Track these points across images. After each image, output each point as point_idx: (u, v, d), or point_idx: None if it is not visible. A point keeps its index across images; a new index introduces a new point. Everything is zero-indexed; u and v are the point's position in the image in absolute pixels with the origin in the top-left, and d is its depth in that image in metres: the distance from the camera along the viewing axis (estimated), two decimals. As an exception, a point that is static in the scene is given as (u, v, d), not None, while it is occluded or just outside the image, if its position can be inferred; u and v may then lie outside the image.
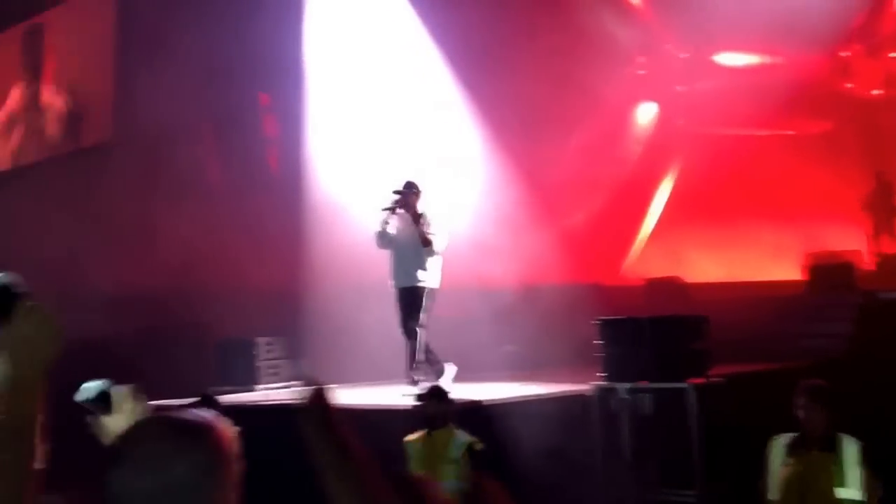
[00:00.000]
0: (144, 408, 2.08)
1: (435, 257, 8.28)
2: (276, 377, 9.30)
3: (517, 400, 7.38)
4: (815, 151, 15.42)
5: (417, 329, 8.15)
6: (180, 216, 11.18)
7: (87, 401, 2.07)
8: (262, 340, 9.32)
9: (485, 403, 7.09)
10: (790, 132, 15.55)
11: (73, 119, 14.78)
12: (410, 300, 8.21)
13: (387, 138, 11.99)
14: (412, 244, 8.16)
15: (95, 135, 14.05)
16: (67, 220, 12.02)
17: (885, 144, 14.49)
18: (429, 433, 5.94)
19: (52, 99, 15.14)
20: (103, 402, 2.08)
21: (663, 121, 14.74)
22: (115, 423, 2.09)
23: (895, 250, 13.93)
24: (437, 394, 6.10)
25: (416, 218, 8.27)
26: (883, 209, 13.99)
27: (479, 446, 5.86)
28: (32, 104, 15.51)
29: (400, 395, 7.57)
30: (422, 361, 8.21)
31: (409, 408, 6.60)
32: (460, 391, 7.35)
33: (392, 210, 8.23)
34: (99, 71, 14.23)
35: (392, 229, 8.26)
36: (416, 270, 8.19)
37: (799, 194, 15.08)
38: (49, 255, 11.13)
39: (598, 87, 13.56)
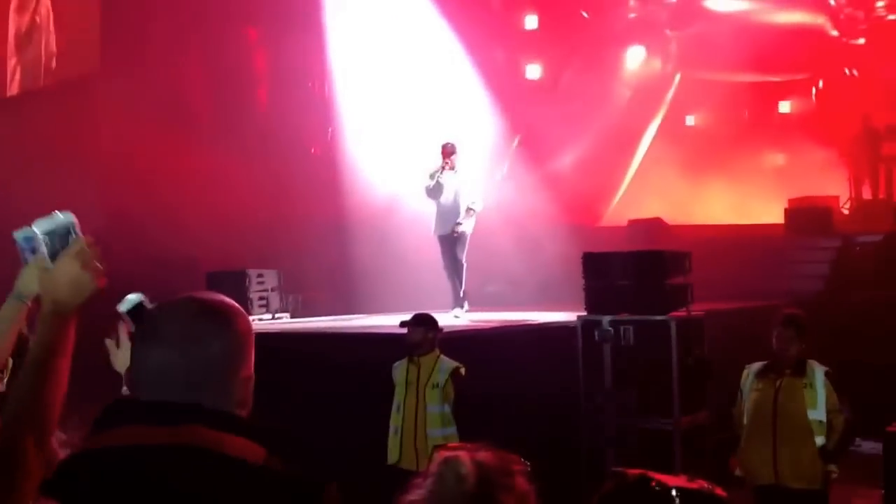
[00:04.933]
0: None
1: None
2: (265, 308, 9.46)
3: (502, 328, 7.58)
4: (799, 97, 15.56)
5: (463, 264, 9.16)
6: (171, 149, 11.22)
7: (128, 311, 2.07)
8: (252, 272, 9.45)
9: (470, 331, 7.28)
10: (776, 78, 15.65)
11: (61, 51, 14.68)
12: (451, 244, 9.15)
13: (389, 84, 12.14)
14: (451, 197, 9.07)
15: (83, 66, 13.98)
16: (56, 151, 12.03)
17: (868, 93, 14.61)
18: (414, 358, 6.12)
19: (44, 30, 15.02)
20: (139, 314, 2.14)
21: (652, 65, 14.77)
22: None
23: (874, 195, 14.15)
24: (422, 321, 6.26)
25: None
26: (866, 155, 14.15)
27: (462, 371, 6.06)
28: (27, 36, 15.39)
29: (453, 317, 8.53)
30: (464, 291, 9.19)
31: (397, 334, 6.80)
32: (454, 321, 7.59)
33: (441, 168, 9.06)
34: (86, 3, 14.11)
35: (434, 185, 9.08)
36: (454, 220, 9.06)
37: (782, 139, 15.27)
38: (36, 187, 11.14)
39: (586, 30, 13.60)
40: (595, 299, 7.38)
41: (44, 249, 1.84)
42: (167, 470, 1.53)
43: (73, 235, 1.85)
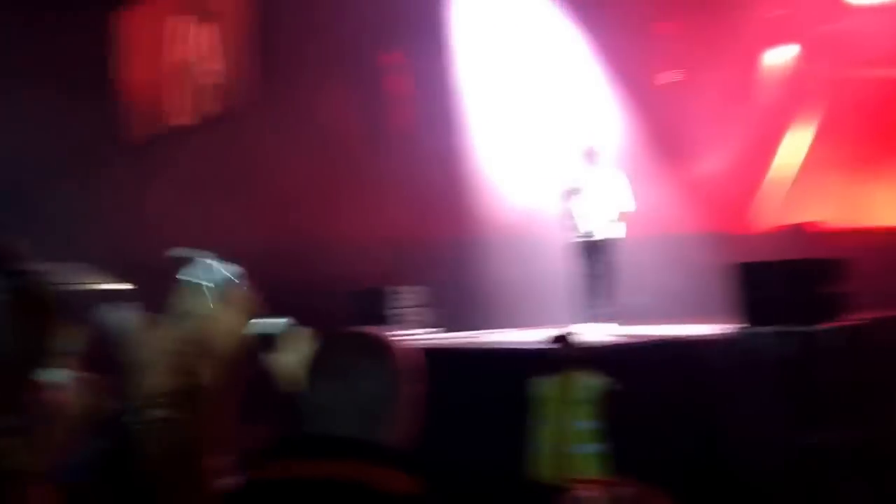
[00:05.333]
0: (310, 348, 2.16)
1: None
2: (406, 325, 9.50)
3: (651, 342, 7.37)
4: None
5: (612, 271, 8.83)
6: (317, 172, 11.55)
7: (260, 335, 2.19)
8: (393, 289, 9.56)
9: (620, 346, 7.10)
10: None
11: (221, 82, 15.42)
12: (597, 249, 8.83)
13: (522, 99, 12.15)
14: (592, 200, 8.78)
15: (237, 98, 14.61)
16: (210, 180, 12.56)
17: None
18: (562, 375, 6.01)
19: (204, 61, 15.82)
20: (273, 338, 2.20)
21: (804, 63, 14.16)
22: (284, 360, 2.20)
23: None
24: (569, 336, 6.16)
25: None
26: None
27: (612, 387, 5.91)
28: (188, 69, 16.24)
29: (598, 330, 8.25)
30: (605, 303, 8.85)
31: (543, 349, 6.70)
32: (598, 334, 7.44)
33: (581, 170, 8.87)
34: (241, 37, 14.77)
35: (580, 185, 8.86)
36: (598, 223, 8.80)
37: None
38: (198, 214, 11.66)
39: (732, 30, 13.18)
40: (752, 310, 7.06)
41: (208, 295, 1.95)
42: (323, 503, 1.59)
43: (234, 285, 1.97)
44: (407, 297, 9.72)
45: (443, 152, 12.78)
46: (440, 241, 11.75)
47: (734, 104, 13.38)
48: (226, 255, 2.02)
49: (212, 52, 15.79)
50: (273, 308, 2.10)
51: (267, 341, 2.19)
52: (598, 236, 8.80)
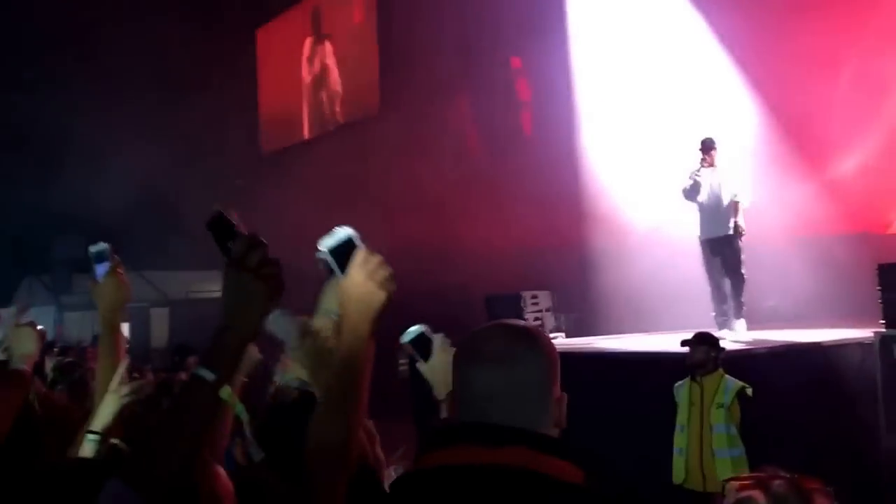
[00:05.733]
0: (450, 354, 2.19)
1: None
2: (544, 329, 9.65)
3: (788, 346, 7.27)
4: None
5: (742, 271, 8.60)
6: (442, 179, 11.77)
7: (409, 343, 2.26)
8: (527, 294, 9.69)
9: (754, 349, 7.06)
10: None
11: (346, 95, 15.90)
12: (723, 248, 8.60)
13: (648, 100, 12.01)
14: (716, 196, 8.58)
15: (364, 109, 15.02)
16: (344, 188, 12.98)
17: None
18: (697, 378, 6.04)
19: (330, 77, 16.34)
20: (422, 346, 2.26)
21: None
22: (430, 367, 2.28)
23: None
24: (705, 340, 6.18)
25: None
26: None
27: (749, 391, 5.90)
28: (318, 83, 16.82)
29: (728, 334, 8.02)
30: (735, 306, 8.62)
31: (678, 353, 6.74)
32: (734, 337, 7.39)
33: (700, 166, 8.66)
34: (365, 51, 15.17)
35: (701, 182, 8.64)
36: (723, 221, 8.57)
37: None
38: (328, 224, 12.04)
39: (865, 29, 12.76)
40: (893, 313, 6.89)
41: (333, 265, 1.89)
42: (496, 489, 1.59)
43: (357, 248, 1.89)
44: (541, 301, 9.83)
45: (566, 156, 12.84)
46: (569, 247, 11.81)
47: (872, 99, 12.96)
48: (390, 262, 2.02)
49: (335, 68, 16.26)
50: (409, 313, 2.13)
51: (419, 347, 2.26)
52: (723, 232, 8.56)
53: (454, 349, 2.15)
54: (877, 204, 13.14)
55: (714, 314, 8.75)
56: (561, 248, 11.91)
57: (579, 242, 11.99)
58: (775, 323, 9.33)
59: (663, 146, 11.64)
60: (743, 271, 8.61)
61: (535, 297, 9.83)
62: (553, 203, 12.32)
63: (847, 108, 12.53)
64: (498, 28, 12.95)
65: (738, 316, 8.58)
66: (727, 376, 6.00)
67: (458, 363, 1.78)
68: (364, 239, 1.91)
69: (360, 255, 1.90)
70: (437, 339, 2.27)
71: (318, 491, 1.92)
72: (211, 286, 13.70)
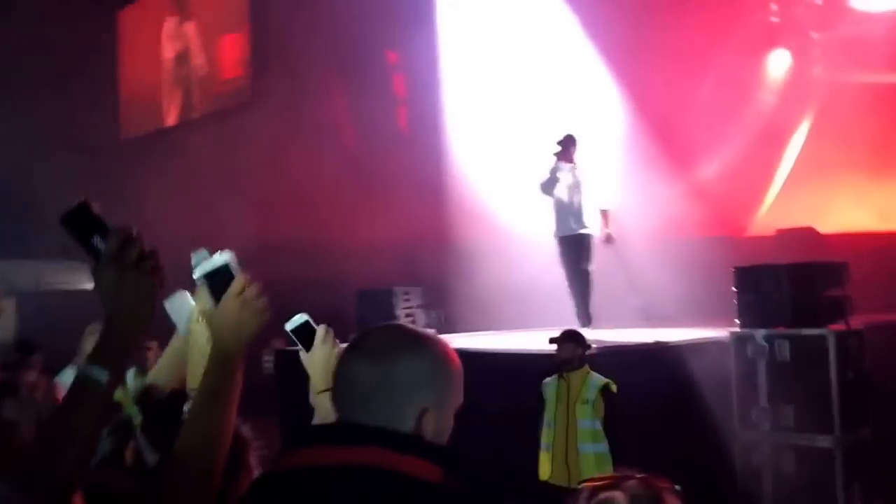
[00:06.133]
0: (337, 348, 2.17)
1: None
2: (416, 325, 9.62)
3: (651, 344, 7.47)
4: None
5: (588, 273, 8.56)
6: (315, 173, 11.60)
7: (293, 330, 2.18)
8: (399, 290, 9.64)
9: (619, 348, 7.21)
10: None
11: (213, 83, 15.42)
12: (575, 248, 8.55)
13: (519, 96, 12.10)
14: (572, 194, 8.50)
15: (234, 98, 14.64)
16: (211, 178, 12.63)
17: None
18: (564, 375, 6.12)
19: (196, 64, 15.82)
20: (305, 335, 2.19)
21: (798, 69, 14.29)
22: (311, 358, 2.20)
23: None
24: (572, 337, 6.27)
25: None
26: None
27: (614, 388, 6.03)
28: (182, 68, 16.25)
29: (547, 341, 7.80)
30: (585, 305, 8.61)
31: (546, 351, 6.82)
32: (596, 336, 7.51)
33: (558, 158, 8.56)
34: (235, 35, 14.78)
35: (557, 184, 8.57)
36: (578, 220, 8.53)
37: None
38: (195, 212, 11.70)
39: (730, 35, 13.28)
40: (748, 314, 7.17)
41: (206, 292, 1.83)
42: (346, 490, 1.55)
43: (234, 275, 1.83)
44: (413, 297, 9.80)
45: (441, 153, 12.86)
46: (443, 243, 11.82)
47: (734, 103, 13.50)
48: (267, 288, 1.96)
49: (201, 52, 15.80)
50: (279, 308, 2.09)
51: (302, 336, 2.19)
52: (573, 233, 8.51)
53: (337, 341, 2.18)
54: (737, 207, 13.73)
55: (578, 310, 8.78)
56: (435, 244, 11.92)
57: (454, 239, 12.02)
58: (640, 322, 9.59)
59: (532, 143, 11.78)
60: (590, 270, 8.57)
61: (407, 293, 9.78)
62: (428, 199, 12.32)
63: (711, 111, 13.02)
64: (373, 20, 12.85)
65: (586, 317, 8.49)
66: (592, 373, 6.11)
67: (342, 356, 1.75)
68: (241, 262, 1.84)
69: (236, 284, 1.84)
70: (321, 330, 2.21)
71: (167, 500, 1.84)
72: (64, 277, 13.08)
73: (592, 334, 7.66)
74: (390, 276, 10.42)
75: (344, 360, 1.73)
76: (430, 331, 1.83)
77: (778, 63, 14.30)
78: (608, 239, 8.62)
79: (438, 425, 1.68)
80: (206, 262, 1.85)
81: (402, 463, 1.56)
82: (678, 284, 10.62)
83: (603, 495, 1.83)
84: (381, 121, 13.47)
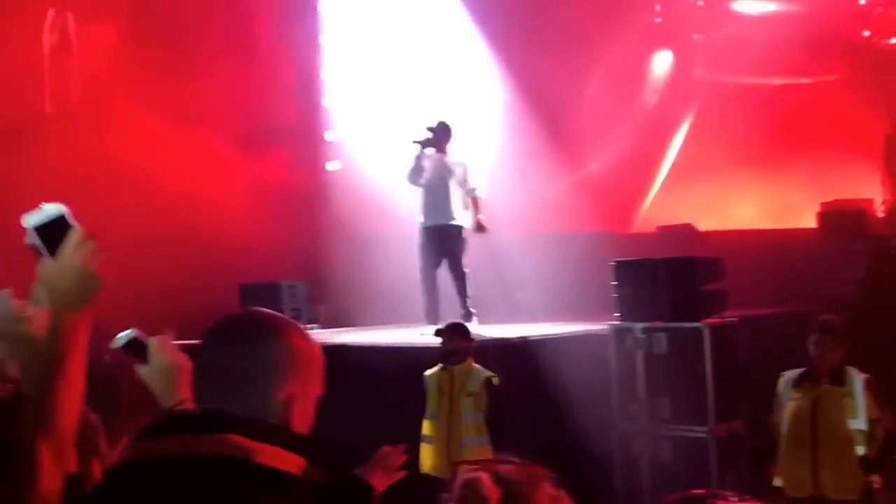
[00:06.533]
0: (173, 356, 2.11)
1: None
2: (297, 319, 9.48)
3: (533, 338, 7.55)
4: (830, 100, 15.39)
5: (463, 267, 8.22)
6: (200, 162, 11.33)
7: (121, 348, 2.11)
8: (284, 283, 9.49)
9: (502, 341, 7.27)
10: (806, 80, 15.51)
11: (89, 69, 14.89)
12: (442, 239, 8.19)
13: (404, 87, 12.03)
14: (443, 183, 8.14)
15: (111, 87, 14.18)
16: (89, 168, 12.18)
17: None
18: (448, 367, 6.13)
19: (73, 51, 15.23)
20: (136, 350, 2.11)
21: (679, 69, 14.73)
22: (149, 372, 2.12)
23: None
24: (457, 329, 6.28)
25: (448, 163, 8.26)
26: (898, 156, 13.95)
27: (496, 380, 6.06)
28: (59, 55, 15.63)
29: (419, 335, 7.69)
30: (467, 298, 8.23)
31: (429, 344, 6.82)
32: (479, 330, 7.55)
33: (423, 145, 8.19)
34: (114, 24, 14.31)
35: (426, 166, 8.17)
36: (446, 210, 8.18)
37: (814, 143, 15.10)
38: (74, 201, 11.25)
39: (613, 35, 13.55)
40: (627, 307, 7.33)
41: (41, 246, 1.71)
42: (196, 480, 1.50)
43: (70, 226, 1.73)
44: (298, 291, 9.64)
45: (326, 145, 12.72)
46: (331, 237, 11.70)
47: (620, 104, 13.80)
48: (102, 247, 1.86)
49: (78, 40, 15.24)
50: (163, 300, 2.02)
51: (133, 352, 2.11)
52: (442, 223, 8.12)
53: (176, 350, 2.10)
54: (621, 203, 14.06)
55: (425, 306, 8.29)
56: (323, 237, 11.78)
57: (342, 232, 11.90)
58: (526, 316, 9.68)
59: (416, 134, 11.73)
60: (465, 267, 8.22)
61: (292, 286, 9.63)
62: (318, 192, 12.18)
63: (597, 108, 13.28)
64: (258, 5, 12.63)
65: (467, 314, 8.08)
66: (476, 365, 6.13)
67: (202, 342, 1.69)
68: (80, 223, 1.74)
69: (73, 236, 1.73)
70: (153, 342, 2.13)
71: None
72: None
73: (477, 328, 7.67)
74: (280, 270, 10.23)
75: (203, 347, 1.68)
76: (287, 317, 1.75)
77: (661, 62, 14.71)
78: (479, 227, 8.22)
79: (301, 415, 1.64)
80: (38, 213, 1.72)
81: (261, 452, 1.51)
82: (563, 279, 10.78)
83: (470, 475, 1.84)
84: (269, 112, 13.23)
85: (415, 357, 6.70)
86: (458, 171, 8.17)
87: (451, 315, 8.07)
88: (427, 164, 8.16)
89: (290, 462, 1.51)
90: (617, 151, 13.71)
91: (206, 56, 12.43)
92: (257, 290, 9.34)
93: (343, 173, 12.51)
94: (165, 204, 11.34)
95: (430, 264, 8.29)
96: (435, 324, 7.47)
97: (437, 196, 8.16)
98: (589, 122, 13.13)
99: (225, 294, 9.47)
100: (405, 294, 10.54)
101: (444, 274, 8.46)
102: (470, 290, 8.20)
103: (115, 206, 11.17)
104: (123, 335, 2.11)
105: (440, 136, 8.22)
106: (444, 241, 8.19)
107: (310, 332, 1.75)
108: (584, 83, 13.68)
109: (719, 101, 15.18)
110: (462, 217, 8.21)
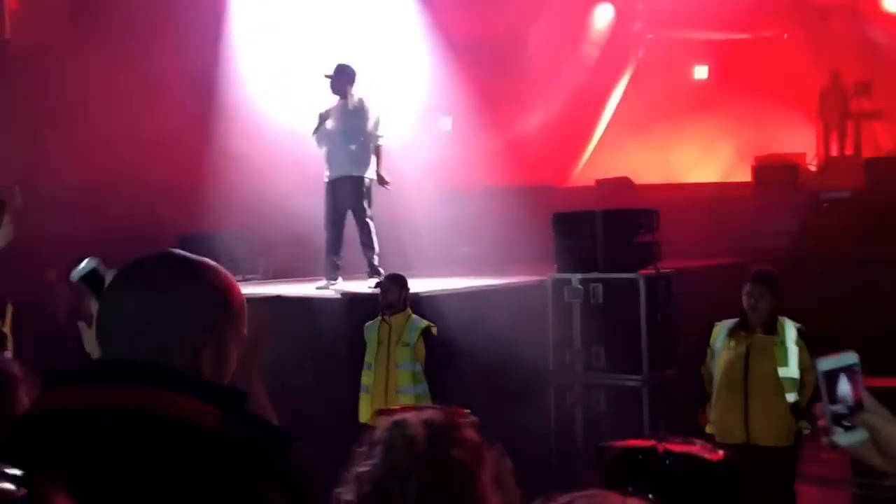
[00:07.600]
0: None
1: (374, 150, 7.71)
2: (235, 271, 9.39)
3: (472, 290, 7.60)
4: (768, 55, 15.60)
5: (368, 220, 7.69)
6: (144, 117, 11.11)
7: (79, 279, 2.04)
8: (223, 235, 9.37)
9: (443, 292, 7.30)
10: (745, 36, 15.68)
11: (26, 17, 14.43)
12: (342, 192, 7.69)
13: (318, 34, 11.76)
14: (343, 134, 7.61)
15: (50, 34, 13.77)
16: (28, 118, 11.87)
17: (836, 49, 14.67)
18: (386, 318, 6.15)
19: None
20: (94, 281, 2.05)
21: (620, 24, 14.75)
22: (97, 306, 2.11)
23: (841, 152, 14.27)
24: (396, 280, 6.30)
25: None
26: (834, 111, 14.22)
27: (434, 330, 6.11)
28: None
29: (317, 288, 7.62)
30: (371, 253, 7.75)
31: (368, 294, 6.83)
32: (420, 281, 7.57)
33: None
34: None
35: (328, 124, 7.67)
36: (351, 161, 7.64)
37: (750, 96, 15.33)
38: (20, 148, 11.04)
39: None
40: (564, 258, 7.41)
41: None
42: (101, 433, 1.40)
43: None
44: (238, 243, 9.50)
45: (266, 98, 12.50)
46: (261, 188, 11.56)
47: (557, 61, 13.79)
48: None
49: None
50: (98, 251, 1.96)
51: (91, 284, 2.02)
52: (347, 175, 7.61)
53: None
54: (560, 158, 14.14)
55: (326, 263, 7.83)
56: (255, 189, 11.63)
57: (273, 183, 11.74)
58: (467, 269, 9.72)
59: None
60: (369, 220, 7.67)
61: (230, 237, 9.53)
62: (262, 142, 11.98)
63: (538, 63, 13.27)
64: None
65: (373, 271, 7.57)
66: (414, 315, 6.17)
67: (108, 286, 1.60)
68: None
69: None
70: (111, 275, 2.01)
71: None
72: None
73: (419, 283, 7.32)
74: (220, 221, 10.08)
75: (110, 291, 1.59)
76: (203, 258, 1.62)
77: (603, 16, 14.72)
78: (381, 180, 7.70)
79: (218, 363, 1.54)
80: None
81: (171, 404, 1.41)
82: (504, 232, 10.84)
83: (398, 417, 1.84)
84: (203, 62, 12.95)
85: (359, 307, 6.71)
86: (362, 117, 7.60)
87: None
88: (330, 120, 7.65)
89: (204, 415, 1.42)
90: (557, 106, 13.74)
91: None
92: (195, 241, 9.21)
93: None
94: (115, 153, 11.13)
95: (331, 220, 7.76)
96: (376, 276, 7.33)
97: (338, 147, 7.63)
98: (529, 75, 13.12)
99: (167, 245, 9.34)
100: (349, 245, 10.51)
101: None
102: (377, 245, 7.69)
103: (63, 153, 10.94)
104: (84, 265, 2.02)
105: (338, 79, 7.67)
106: (343, 194, 7.67)
107: (237, 280, 1.65)
108: (525, 37, 13.65)
109: (659, 55, 15.30)
110: (366, 167, 7.65)
